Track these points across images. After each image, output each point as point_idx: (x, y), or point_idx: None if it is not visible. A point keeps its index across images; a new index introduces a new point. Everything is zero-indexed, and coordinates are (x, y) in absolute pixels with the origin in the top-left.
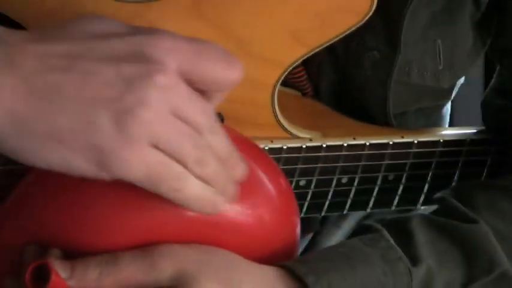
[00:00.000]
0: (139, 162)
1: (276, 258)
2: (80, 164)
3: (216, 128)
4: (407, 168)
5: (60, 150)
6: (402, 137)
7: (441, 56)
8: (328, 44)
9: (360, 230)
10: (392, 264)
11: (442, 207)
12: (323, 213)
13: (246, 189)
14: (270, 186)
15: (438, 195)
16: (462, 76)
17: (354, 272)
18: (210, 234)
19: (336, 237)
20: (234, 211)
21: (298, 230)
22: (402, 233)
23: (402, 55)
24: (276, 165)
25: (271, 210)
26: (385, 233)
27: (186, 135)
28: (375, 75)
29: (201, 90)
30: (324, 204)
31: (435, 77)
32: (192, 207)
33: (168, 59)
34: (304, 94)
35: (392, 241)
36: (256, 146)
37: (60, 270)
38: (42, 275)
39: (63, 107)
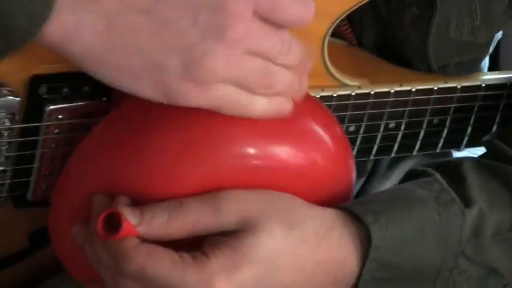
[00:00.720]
0: (205, 100)
1: (333, 201)
2: (151, 95)
3: (296, 48)
4: (451, 112)
5: (132, 82)
6: (446, 82)
7: (478, 12)
8: None
9: (413, 175)
10: (446, 206)
11: (490, 150)
12: (371, 157)
13: (304, 135)
14: (326, 132)
15: (486, 138)
16: (498, 31)
17: (410, 212)
18: (270, 179)
19: (385, 186)
20: (292, 155)
21: (353, 174)
22: (454, 176)
23: (439, 11)
24: (331, 114)
25: (327, 155)
26: (438, 176)
27: (256, 70)
28: (415, 31)
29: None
30: (373, 148)
31: (472, 32)
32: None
33: (244, 8)
34: (351, 45)
35: (445, 184)
36: (312, 97)
37: (129, 217)
38: (113, 222)
39: (137, 49)
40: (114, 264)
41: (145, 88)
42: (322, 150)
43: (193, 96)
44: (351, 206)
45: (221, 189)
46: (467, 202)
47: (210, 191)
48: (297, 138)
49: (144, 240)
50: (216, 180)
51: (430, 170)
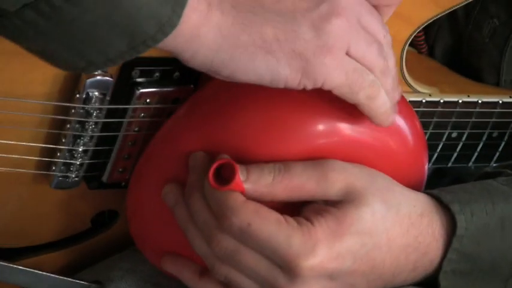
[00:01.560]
0: (339, 68)
1: (411, 187)
2: (286, 71)
3: (390, 43)
4: (511, 127)
5: (269, 59)
6: (511, 97)
7: None
8: (459, 5)
9: (487, 175)
10: None
11: None
12: (430, 165)
13: (396, 124)
14: (410, 123)
15: None
16: None
17: (493, 205)
18: (368, 156)
19: None
20: (383, 140)
21: (426, 167)
22: None
23: None
24: (412, 109)
25: (410, 146)
26: None
27: (372, 43)
28: (493, 42)
29: (375, 6)
30: (433, 156)
31: None
32: (377, 117)
33: None
34: (420, 53)
35: None
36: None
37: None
38: (218, 176)
39: (266, 18)
40: (218, 218)
41: (283, 66)
42: (406, 139)
43: (329, 65)
44: (439, 193)
45: (325, 158)
46: None
47: (312, 159)
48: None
49: (248, 198)
50: (318, 150)
51: (507, 171)
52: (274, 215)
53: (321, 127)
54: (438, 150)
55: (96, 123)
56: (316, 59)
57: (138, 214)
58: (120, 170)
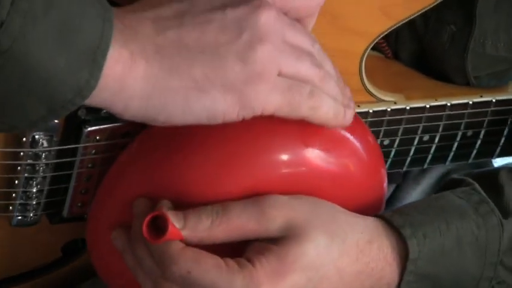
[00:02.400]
0: (274, 91)
1: (367, 208)
2: (222, 107)
3: (321, 50)
4: (485, 125)
5: (203, 98)
6: (481, 96)
7: None
8: (412, 17)
9: (451, 184)
10: (485, 217)
11: None
12: (405, 168)
13: (340, 143)
14: (360, 141)
15: None
16: None
17: (448, 224)
18: (308, 186)
19: (415, 192)
20: (329, 162)
21: (385, 183)
22: (492, 186)
23: (477, 28)
24: (364, 124)
25: (361, 164)
26: (477, 186)
27: (302, 56)
28: (453, 48)
29: (296, 20)
30: (406, 160)
31: (509, 47)
32: (329, 123)
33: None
34: (386, 57)
35: (484, 194)
36: None
37: (174, 220)
38: (156, 226)
39: (192, 58)
40: (159, 267)
41: (218, 102)
42: (356, 158)
43: (266, 90)
44: (391, 216)
45: (263, 194)
46: (505, 213)
47: (252, 196)
48: (333, 146)
49: (188, 244)
50: (258, 185)
51: (468, 179)
52: (214, 260)
53: (259, 161)
54: (411, 154)
55: (47, 164)
56: (249, 89)
57: (96, 248)
58: (79, 204)
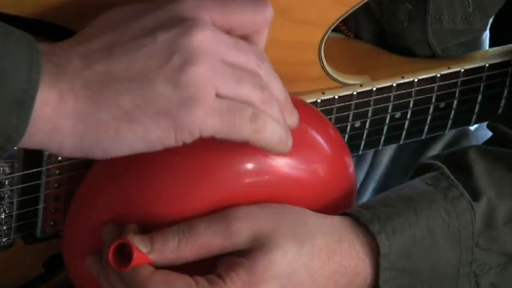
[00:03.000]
0: (211, 114)
1: (338, 202)
2: (157, 134)
3: (269, 69)
4: (457, 95)
5: (134, 128)
6: (449, 68)
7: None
8: (365, 0)
9: (421, 169)
10: (454, 202)
11: (495, 135)
12: (380, 147)
13: (300, 145)
14: (322, 138)
15: (490, 123)
16: (494, 14)
17: (417, 215)
18: (274, 193)
19: None
20: (292, 167)
21: (351, 169)
22: (460, 167)
23: (432, 4)
24: (321, 115)
25: (326, 161)
26: (446, 170)
27: (243, 77)
28: (412, 25)
29: (243, 36)
30: (380, 139)
31: (466, 20)
32: (272, 147)
33: (199, 13)
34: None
35: (453, 178)
36: (301, 101)
37: (140, 245)
38: (125, 251)
39: (120, 89)
40: None
41: (152, 131)
42: (320, 156)
43: (202, 113)
44: (358, 212)
45: (228, 207)
46: (475, 194)
47: (218, 209)
48: (295, 149)
49: (157, 266)
50: (224, 198)
51: (437, 163)
52: (184, 280)
53: (221, 175)
54: (384, 133)
55: (11, 189)
56: (183, 113)
57: (74, 269)
58: (52, 223)
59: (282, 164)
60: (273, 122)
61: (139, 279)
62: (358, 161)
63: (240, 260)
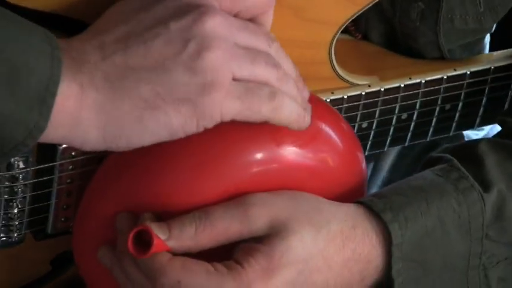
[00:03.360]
0: (229, 97)
1: (349, 195)
2: (179, 121)
3: (279, 48)
4: (462, 97)
5: (157, 116)
6: (455, 70)
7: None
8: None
9: (431, 162)
10: (465, 193)
11: (504, 129)
12: (385, 148)
13: (313, 136)
14: (333, 130)
15: (499, 117)
16: (504, 14)
17: (429, 205)
18: (287, 181)
19: None
20: (306, 157)
21: (364, 166)
22: (471, 159)
23: (445, 3)
24: (335, 111)
25: (338, 153)
26: (456, 162)
27: (257, 58)
28: (424, 24)
29: (250, 19)
30: (386, 140)
31: (477, 19)
32: (291, 124)
33: (208, 0)
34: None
35: (463, 170)
36: (313, 95)
37: (158, 232)
38: (142, 239)
39: (139, 78)
40: (149, 280)
41: (174, 117)
42: (332, 148)
43: (221, 97)
44: (370, 201)
45: (244, 194)
46: (486, 185)
47: (232, 197)
48: (307, 140)
49: (175, 253)
50: (238, 186)
51: (447, 156)
52: (203, 266)
53: (234, 164)
54: (390, 134)
55: (25, 184)
56: (203, 99)
57: (84, 264)
58: (63, 219)
59: (295, 154)
60: (290, 99)
61: (157, 266)
62: None
63: (257, 246)
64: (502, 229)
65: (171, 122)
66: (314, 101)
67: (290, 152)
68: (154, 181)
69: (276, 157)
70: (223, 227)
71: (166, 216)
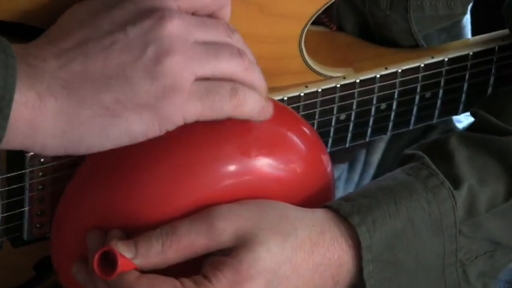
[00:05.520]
0: (190, 99)
1: (316, 199)
2: (141, 127)
3: (240, 39)
4: (442, 84)
5: (118, 122)
6: (432, 57)
7: None
8: None
9: (404, 159)
10: (434, 191)
11: (476, 121)
12: (367, 139)
13: (278, 144)
14: (297, 136)
15: (472, 109)
16: None
17: (397, 205)
18: (252, 191)
19: None
20: (269, 166)
21: (330, 168)
22: (442, 155)
23: None
24: (296, 114)
25: (302, 158)
26: (427, 159)
27: (218, 51)
28: (394, 13)
29: (208, 16)
30: (367, 131)
31: (447, 5)
32: (254, 118)
33: (166, 3)
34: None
35: (433, 167)
36: (275, 101)
37: (124, 251)
38: (110, 258)
39: (99, 86)
40: None
41: (135, 123)
42: (296, 154)
43: (181, 100)
44: (338, 204)
45: (209, 206)
46: (456, 181)
47: (200, 209)
48: (271, 148)
49: (143, 270)
50: (205, 198)
51: (419, 153)
52: (170, 283)
53: (202, 176)
54: (371, 125)
55: None
56: (164, 103)
57: (62, 273)
58: (38, 226)
59: (260, 164)
60: (253, 93)
61: (126, 285)
62: (352, 162)
63: (224, 259)
64: (475, 225)
65: (132, 129)
66: (275, 107)
67: (257, 162)
68: (124, 196)
69: (243, 168)
70: (190, 242)
71: (136, 230)
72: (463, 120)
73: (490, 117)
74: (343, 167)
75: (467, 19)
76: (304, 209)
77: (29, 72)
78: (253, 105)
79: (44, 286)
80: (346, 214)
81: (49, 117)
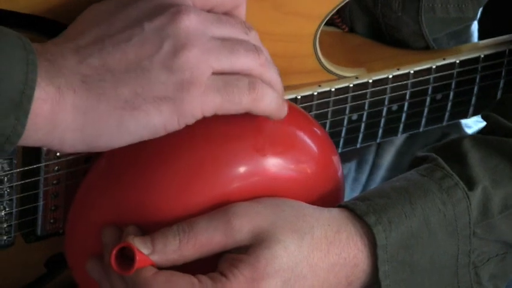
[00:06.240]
0: (208, 92)
1: (327, 200)
2: (160, 119)
3: (257, 36)
4: (453, 87)
5: (137, 115)
6: (444, 59)
7: None
8: None
9: (416, 161)
10: (449, 192)
11: (488, 124)
12: (378, 140)
13: (291, 144)
14: (309, 137)
15: (484, 112)
16: (485, 2)
17: (413, 206)
18: (271, 188)
19: None
20: (284, 165)
21: (340, 170)
22: (455, 157)
23: None
24: (306, 114)
25: (314, 159)
26: (440, 161)
27: (235, 46)
28: (406, 14)
29: (224, 14)
30: (378, 132)
31: (459, 8)
32: (271, 114)
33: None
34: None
35: (447, 168)
36: (288, 102)
37: (141, 247)
38: (126, 254)
39: (117, 80)
40: None
41: (154, 116)
42: (308, 155)
43: (199, 93)
44: (354, 204)
45: (227, 204)
46: (470, 183)
47: (217, 207)
48: (285, 148)
49: (159, 267)
50: (223, 196)
51: (432, 155)
52: (187, 279)
53: (219, 174)
54: (382, 125)
55: (11, 186)
56: (182, 96)
57: (77, 269)
58: (52, 221)
59: (274, 163)
60: (270, 89)
61: (142, 281)
62: (361, 163)
63: (241, 257)
64: (489, 226)
65: (152, 121)
66: (288, 108)
67: (271, 162)
68: (140, 192)
69: (258, 168)
70: (207, 239)
71: (153, 226)
72: (473, 126)
73: (501, 120)
74: (350, 166)
75: (475, 26)
76: (320, 208)
77: (48, 67)
78: (270, 100)
79: (54, 283)
80: (362, 213)
81: (68, 112)
